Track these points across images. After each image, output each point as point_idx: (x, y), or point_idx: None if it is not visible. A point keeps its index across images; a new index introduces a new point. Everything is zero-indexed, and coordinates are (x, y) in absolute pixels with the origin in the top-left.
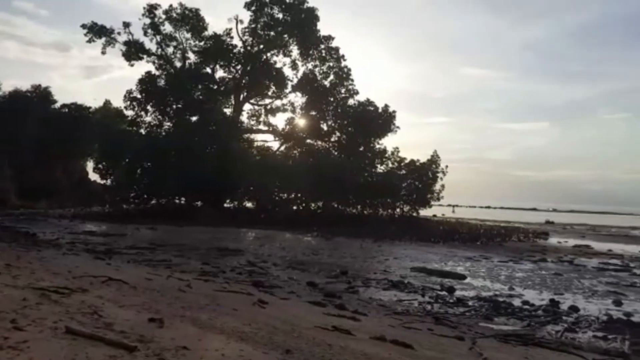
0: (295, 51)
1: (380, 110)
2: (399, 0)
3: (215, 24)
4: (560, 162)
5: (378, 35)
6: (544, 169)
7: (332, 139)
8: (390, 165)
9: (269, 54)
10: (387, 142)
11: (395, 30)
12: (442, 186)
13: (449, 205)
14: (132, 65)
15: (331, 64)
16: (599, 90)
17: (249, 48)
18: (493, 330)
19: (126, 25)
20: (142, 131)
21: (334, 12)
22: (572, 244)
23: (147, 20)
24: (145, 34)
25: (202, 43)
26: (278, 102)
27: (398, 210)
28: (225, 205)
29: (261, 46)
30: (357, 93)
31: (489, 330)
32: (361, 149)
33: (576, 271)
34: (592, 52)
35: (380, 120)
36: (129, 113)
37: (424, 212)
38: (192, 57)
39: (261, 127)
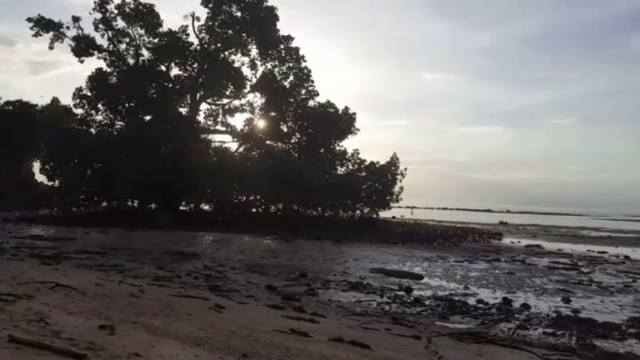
0: (254, 50)
1: (340, 112)
2: (357, 4)
3: (171, 21)
4: (514, 165)
5: (337, 38)
6: (498, 171)
7: (292, 141)
8: (350, 167)
9: (226, 53)
10: (348, 144)
11: (355, 34)
12: (401, 188)
13: (408, 206)
14: (82, 62)
15: (291, 65)
16: (550, 95)
17: (205, 46)
18: (448, 328)
19: (75, 19)
20: (93, 130)
21: (292, 14)
22: (524, 243)
23: (98, 15)
24: (96, 29)
25: (156, 40)
26: (236, 102)
27: (358, 212)
28: (180, 208)
29: (219, 44)
30: (317, 94)
31: (444, 329)
32: (321, 150)
33: (528, 270)
34: (544, 58)
35: (341, 122)
36: (79, 111)
37: (384, 214)
38: (146, 54)
39: (219, 127)
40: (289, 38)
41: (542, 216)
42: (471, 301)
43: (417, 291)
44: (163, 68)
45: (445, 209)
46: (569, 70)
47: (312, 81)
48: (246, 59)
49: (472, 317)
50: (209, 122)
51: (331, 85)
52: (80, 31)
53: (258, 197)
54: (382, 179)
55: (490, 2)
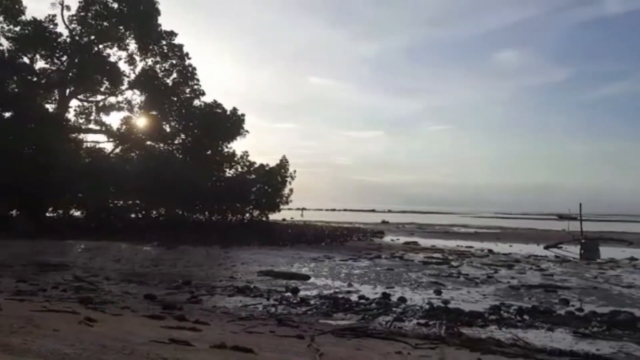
0: (132, 45)
1: (228, 113)
2: (246, 9)
3: (36, 9)
4: (395, 168)
5: (223, 42)
6: (381, 173)
7: (176, 141)
8: (239, 169)
9: (101, 46)
10: (237, 146)
11: (244, 37)
12: (291, 190)
13: (298, 208)
14: None
15: (174, 62)
16: (426, 104)
17: (77, 38)
18: (331, 326)
19: None
20: None
21: (177, 13)
22: (403, 241)
23: None
24: None
25: (18, 28)
26: (112, 99)
27: (247, 215)
28: (47, 214)
29: (92, 37)
30: (203, 94)
31: (327, 327)
32: (208, 152)
33: (405, 266)
34: (421, 70)
35: (229, 123)
36: None
37: (274, 216)
38: (5, 44)
39: (92, 126)
40: (172, 34)
41: (419, 215)
42: (354, 298)
43: (304, 291)
44: (26, 60)
45: (333, 210)
46: (444, 81)
47: (198, 80)
48: (124, 54)
49: (354, 313)
50: (81, 120)
51: (218, 86)
52: None
53: (137, 201)
54: (272, 182)
55: (373, 15)
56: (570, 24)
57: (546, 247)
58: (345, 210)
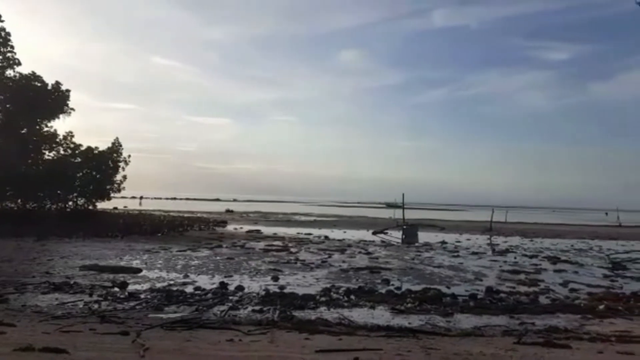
0: None
1: (50, 87)
2: None
3: None
4: (240, 156)
5: (49, 7)
6: (226, 162)
7: None
8: (62, 152)
9: None
10: (59, 126)
11: (71, 5)
12: (124, 177)
13: (134, 197)
14: None
15: None
16: (274, 95)
17: None
18: (162, 319)
19: None
20: None
21: None
22: (246, 229)
23: None
24: None
25: None
26: None
27: (71, 203)
28: None
29: None
30: (19, 64)
31: (157, 320)
32: (23, 131)
33: (246, 254)
34: (268, 61)
35: (50, 99)
36: None
37: (104, 205)
38: None
39: None
40: None
41: (263, 204)
42: (189, 289)
43: (133, 285)
44: None
45: (174, 198)
46: (291, 74)
47: (12, 47)
48: None
49: (188, 304)
50: None
51: (43, 58)
52: None
53: None
54: (102, 167)
55: (225, 1)
56: (404, 33)
57: (374, 233)
58: (187, 199)
